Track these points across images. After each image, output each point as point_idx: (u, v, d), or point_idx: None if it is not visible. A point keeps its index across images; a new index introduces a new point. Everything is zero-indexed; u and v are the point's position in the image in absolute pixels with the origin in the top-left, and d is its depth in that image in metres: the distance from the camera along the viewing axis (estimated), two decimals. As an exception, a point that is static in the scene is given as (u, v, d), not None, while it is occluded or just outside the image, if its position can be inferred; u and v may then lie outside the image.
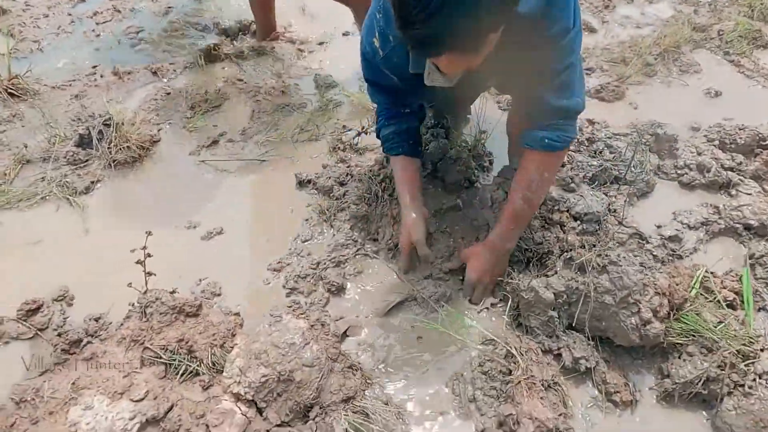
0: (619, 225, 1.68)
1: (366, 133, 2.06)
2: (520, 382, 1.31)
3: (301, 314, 1.46)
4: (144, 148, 2.02)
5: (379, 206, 1.77)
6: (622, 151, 1.93)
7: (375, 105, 1.73)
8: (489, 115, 2.06)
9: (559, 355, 1.42)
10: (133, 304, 1.42)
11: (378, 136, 1.69)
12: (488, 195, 1.68)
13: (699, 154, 1.95)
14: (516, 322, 1.53)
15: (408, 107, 1.63)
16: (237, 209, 1.86)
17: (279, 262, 1.66)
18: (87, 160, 1.97)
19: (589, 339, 1.42)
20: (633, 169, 1.87)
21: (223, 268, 1.65)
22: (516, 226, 1.53)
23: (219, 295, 1.58)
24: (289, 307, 1.52)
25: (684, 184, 1.89)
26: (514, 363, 1.35)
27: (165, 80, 2.42)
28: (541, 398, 1.30)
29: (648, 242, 1.67)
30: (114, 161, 1.95)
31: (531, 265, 1.60)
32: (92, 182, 1.90)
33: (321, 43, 2.70)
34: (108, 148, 1.96)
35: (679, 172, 1.92)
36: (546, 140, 1.42)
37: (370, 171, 1.90)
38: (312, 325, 1.40)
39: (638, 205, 1.83)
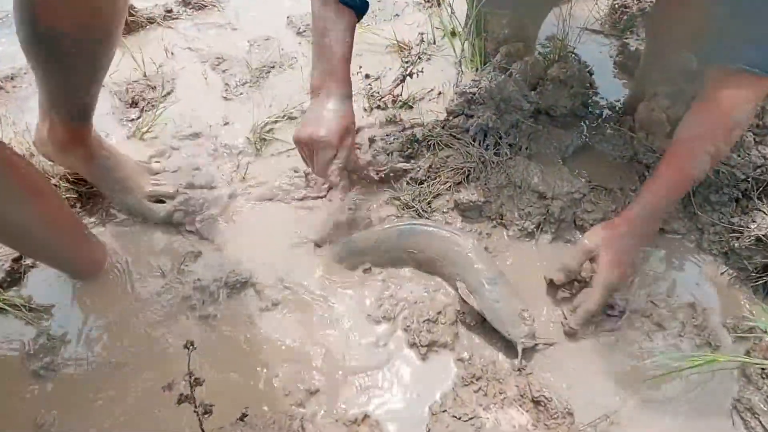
0: None
1: (411, 75, 1.39)
2: None
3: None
4: (79, 184, 1.24)
5: (494, 174, 1.15)
6: None
7: None
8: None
9: None
10: None
11: None
12: (661, 114, 1.09)
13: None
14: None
15: None
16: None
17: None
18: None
19: None
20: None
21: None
22: (683, 189, 1.00)
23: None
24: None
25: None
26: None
27: (72, 75, 1.59)
28: None
29: None
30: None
31: (751, 201, 1.07)
32: (13, 260, 1.12)
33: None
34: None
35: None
36: (755, 59, 0.88)
37: (448, 125, 1.27)
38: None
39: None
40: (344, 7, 1.03)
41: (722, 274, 1.07)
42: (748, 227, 1.02)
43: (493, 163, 1.17)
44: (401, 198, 1.17)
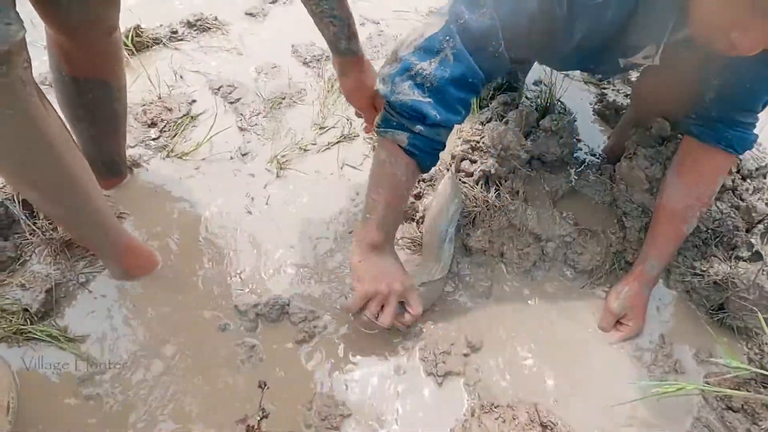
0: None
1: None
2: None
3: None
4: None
5: (496, 217, 1.30)
6: None
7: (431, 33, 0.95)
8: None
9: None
10: None
11: (389, 84, 0.98)
12: (640, 173, 1.28)
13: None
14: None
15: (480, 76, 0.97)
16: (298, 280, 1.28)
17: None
18: (19, 259, 1.22)
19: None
20: None
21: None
22: (679, 246, 1.23)
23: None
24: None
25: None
26: None
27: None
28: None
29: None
30: (65, 245, 1.23)
31: (710, 248, 1.27)
32: (46, 292, 1.17)
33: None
34: (48, 229, 1.22)
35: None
36: (732, 140, 1.10)
37: (453, 168, 1.40)
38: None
39: None
40: (411, 160, 1.02)
41: (686, 308, 1.27)
42: (707, 271, 1.22)
43: (496, 207, 1.32)
44: (412, 236, 1.30)
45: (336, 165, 1.48)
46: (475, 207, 1.30)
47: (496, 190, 1.35)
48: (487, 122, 1.47)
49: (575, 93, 1.74)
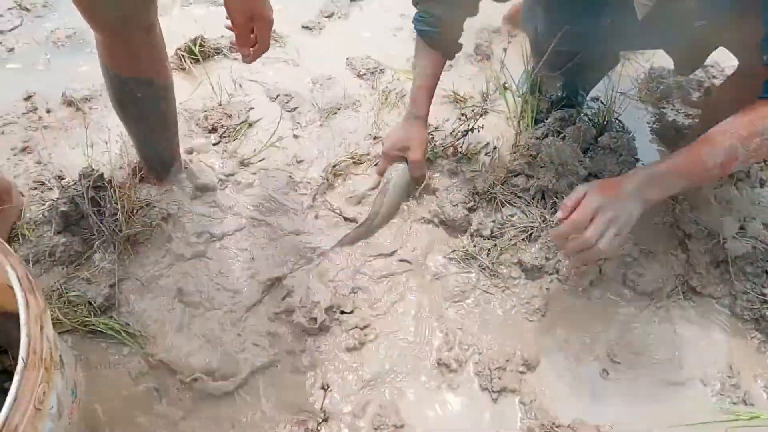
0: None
1: (472, 131, 1.51)
2: None
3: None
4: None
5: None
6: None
7: None
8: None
9: None
10: None
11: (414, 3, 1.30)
12: (708, 194, 1.23)
13: None
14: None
15: None
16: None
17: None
18: (85, 254, 1.26)
19: None
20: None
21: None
22: (693, 172, 1.01)
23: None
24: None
25: None
26: None
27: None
28: None
29: None
30: (129, 242, 1.27)
31: None
32: (110, 286, 1.21)
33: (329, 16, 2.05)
34: (112, 226, 1.26)
35: None
36: None
37: (509, 183, 1.39)
38: None
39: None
40: (430, 48, 1.32)
41: (752, 338, 1.21)
42: (779, 299, 1.16)
43: (552, 222, 1.29)
44: (467, 249, 1.29)
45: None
46: (532, 222, 1.29)
47: (553, 205, 1.33)
48: (544, 137, 1.45)
49: (632, 112, 1.71)
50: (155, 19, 1.13)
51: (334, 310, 1.19)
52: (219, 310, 1.20)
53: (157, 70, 1.20)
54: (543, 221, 1.29)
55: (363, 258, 1.30)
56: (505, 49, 1.61)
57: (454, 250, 1.31)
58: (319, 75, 1.78)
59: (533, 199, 1.35)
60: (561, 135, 1.45)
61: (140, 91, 1.19)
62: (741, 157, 0.97)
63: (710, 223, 1.25)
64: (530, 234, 1.28)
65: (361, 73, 1.79)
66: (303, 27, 1.99)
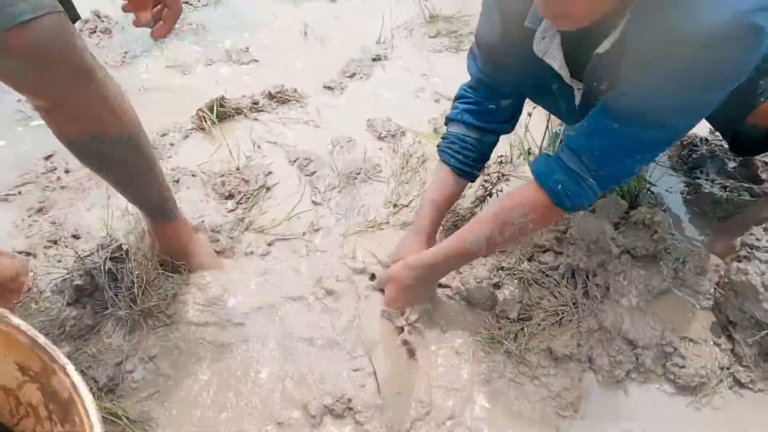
0: None
1: (491, 195, 1.46)
2: None
3: None
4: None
5: (585, 317, 1.19)
6: None
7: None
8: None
9: None
10: None
11: (445, 123, 1.33)
12: (756, 279, 1.14)
13: None
14: None
15: (496, 99, 1.22)
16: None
17: None
18: (95, 328, 1.21)
19: None
20: None
21: None
22: (461, 258, 1.16)
23: None
24: None
25: None
26: None
27: (164, 157, 1.66)
28: None
29: None
30: (142, 314, 1.21)
31: None
32: (116, 365, 1.15)
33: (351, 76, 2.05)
34: (128, 300, 1.20)
35: None
36: (560, 186, 0.98)
37: (536, 260, 1.32)
38: None
39: None
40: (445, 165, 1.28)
41: None
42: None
43: (584, 305, 1.21)
44: (494, 333, 1.20)
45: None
46: (563, 305, 1.20)
47: (584, 286, 1.25)
48: (572, 210, 1.39)
49: (665, 181, 1.64)
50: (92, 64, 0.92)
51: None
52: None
53: (102, 120, 0.99)
54: (574, 304, 1.21)
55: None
56: (529, 114, 1.56)
57: (479, 333, 1.23)
58: (339, 136, 1.75)
59: (563, 278, 1.27)
60: (591, 208, 1.38)
61: (98, 148, 1.02)
62: (500, 242, 1.08)
63: (757, 313, 1.16)
64: (561, 318, 1.20)
65: (382, 135, 1.77)
66: (325, 87, 1.99)
